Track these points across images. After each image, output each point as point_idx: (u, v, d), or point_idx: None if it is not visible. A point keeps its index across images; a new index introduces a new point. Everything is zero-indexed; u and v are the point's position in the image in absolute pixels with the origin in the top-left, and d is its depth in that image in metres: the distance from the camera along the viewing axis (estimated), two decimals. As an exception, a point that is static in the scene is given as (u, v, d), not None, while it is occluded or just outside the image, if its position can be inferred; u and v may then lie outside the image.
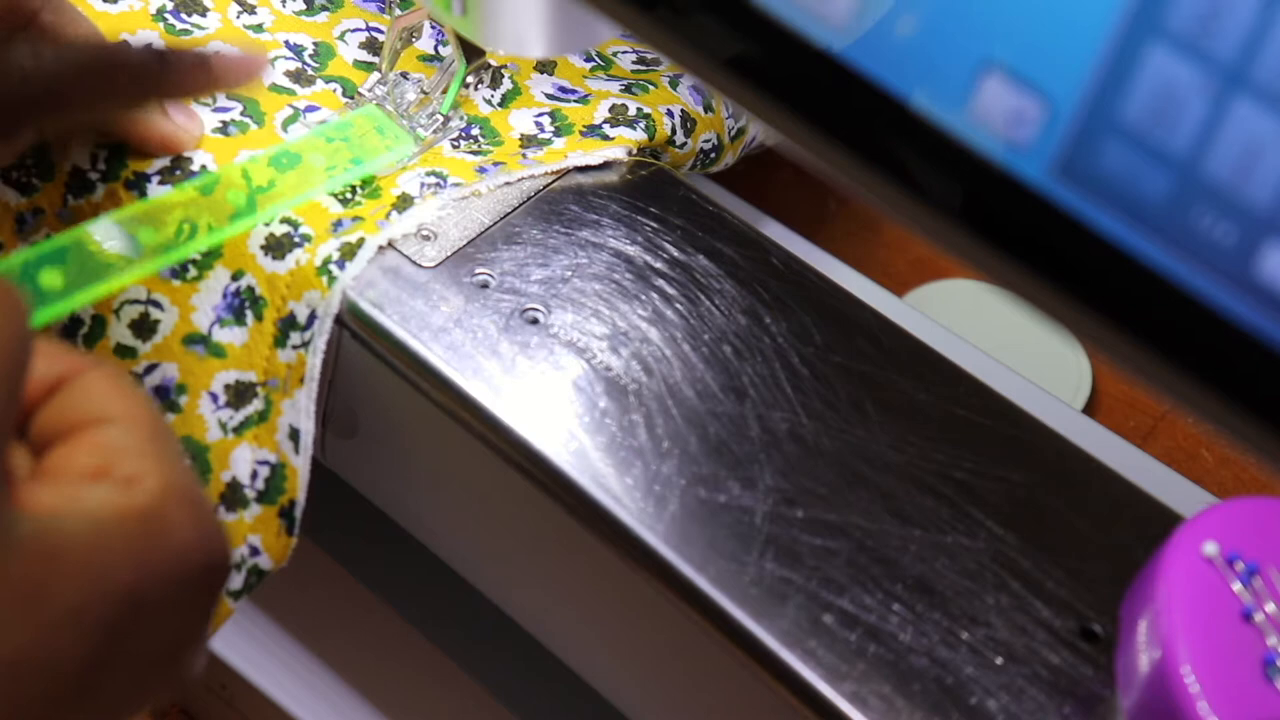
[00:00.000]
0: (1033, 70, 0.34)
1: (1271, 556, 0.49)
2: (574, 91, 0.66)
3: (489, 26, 0.57)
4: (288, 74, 0.64)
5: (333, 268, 0.57)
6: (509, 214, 0.60)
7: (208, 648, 0.39)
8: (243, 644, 0.64)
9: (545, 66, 0.67)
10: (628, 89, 0.66)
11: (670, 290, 0.59)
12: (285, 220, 0.58)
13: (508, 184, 0.61)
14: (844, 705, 0.49)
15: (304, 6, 0.67)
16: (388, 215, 0.59)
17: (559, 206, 0.61)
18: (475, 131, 0.64)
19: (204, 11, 0.65)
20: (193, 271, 0.57)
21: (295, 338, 0.56)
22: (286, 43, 0.65)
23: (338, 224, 0.58)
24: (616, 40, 0.69)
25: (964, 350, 0.67)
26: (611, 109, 0.65)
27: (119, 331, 0.58)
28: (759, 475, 0.54)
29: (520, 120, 0.65)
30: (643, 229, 0.61)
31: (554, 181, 0.62)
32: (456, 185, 0.61)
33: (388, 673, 0.64)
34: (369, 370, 0.57)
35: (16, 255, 0.50)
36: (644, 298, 0.59)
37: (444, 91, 0.63)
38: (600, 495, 0.53)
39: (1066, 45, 0.33)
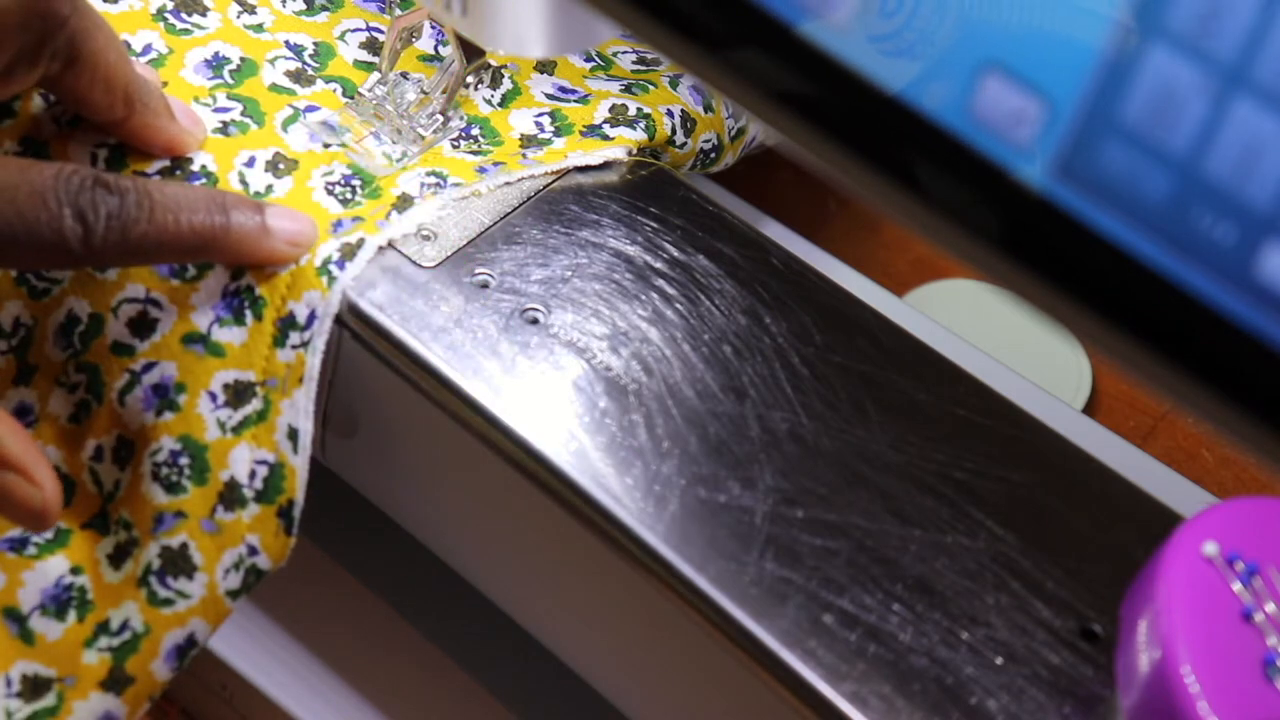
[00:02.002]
0: (1033, 70, 0.34)
1: (1271, 556, 0.49)
2: (574, 91, 0.66)
3: (489, 26, 0.57)
4: (288, 74, 0.64)
5: (332, 268, 0.57)
6: (509, 214, 0.60)
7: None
8: (243, 644, 0.64)
9: (545, 66, 0.67)
10: (628, 89, 0.66)
11: (670, 290, 0.59)
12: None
13: (508, 184, 0.61)
14: (844, 705, 0.49)
15: (304, 6, 0.67)
16: (388, 215, 0.59)
17: (559, 206, 0.61)
18: (475, 131, 0.64)
19: (204, 11, 0.65)
20: (192, 271, 0.57)
21: (295, 338, 0.56)
22: (286, 43, 0.65)
23: (337, 224, 0.58)
24: (616, 40, 0.69)
25: (964, 350, 0.67)
26: (611, 109, 0.65)
27: (117, 329, 0.58)
28: (759, 475, 0.54)
29: (520, 120, 0.65)
30: (643, 229, 0.61)
31: (554, 181, 0.62)
32: (456, 185, 0.61)
33: (388, 673, 0.64)
34: (369, 370, 0.57)
35: None
36: (644, 298, 0.59)
37: (444, 91, 0.63)
38: (600, 495, 0.53)
39: (1066, 45, 0.33)
